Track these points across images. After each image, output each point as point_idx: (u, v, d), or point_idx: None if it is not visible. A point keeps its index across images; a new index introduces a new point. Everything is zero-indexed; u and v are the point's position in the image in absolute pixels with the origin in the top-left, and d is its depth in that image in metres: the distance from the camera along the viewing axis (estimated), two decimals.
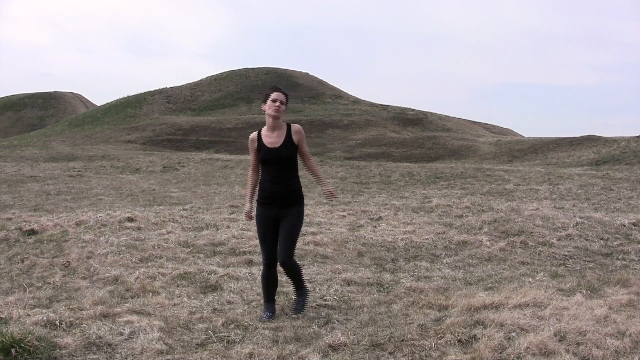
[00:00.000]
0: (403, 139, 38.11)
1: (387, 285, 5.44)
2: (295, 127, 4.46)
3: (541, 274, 5.78)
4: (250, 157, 4.61)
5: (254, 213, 4.51)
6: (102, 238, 6.85)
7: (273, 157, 4.38)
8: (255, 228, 4.59)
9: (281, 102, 4.41)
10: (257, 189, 4.52)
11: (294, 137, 4.43)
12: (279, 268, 4.50)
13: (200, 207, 9.88)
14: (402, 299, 4.92)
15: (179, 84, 54.86)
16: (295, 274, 4.54)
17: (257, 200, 4.51)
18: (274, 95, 4.42)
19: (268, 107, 4.41)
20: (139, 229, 7.47)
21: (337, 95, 53.74)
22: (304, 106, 48.29)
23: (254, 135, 4.52)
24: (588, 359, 3.53)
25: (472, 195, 12.63)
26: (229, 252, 6.62)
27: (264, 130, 4.49)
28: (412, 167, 20.59)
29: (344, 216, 8.95)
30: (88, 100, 73.85)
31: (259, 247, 4.60)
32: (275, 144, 4.40)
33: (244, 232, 7.39)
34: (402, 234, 7.64)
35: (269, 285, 4.51)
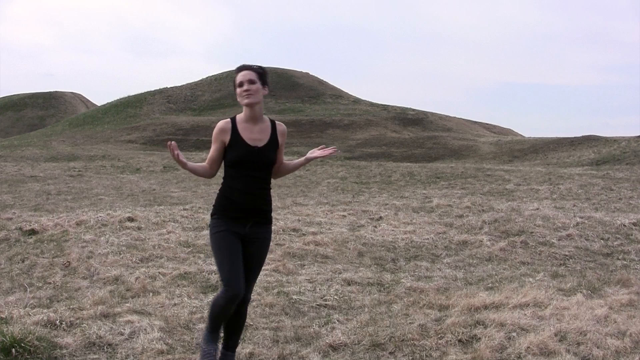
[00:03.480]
0: (403, 139, 38.12)
1: (387, 285, 5.44)
2: (281, 126, 3.43)
3: (541, 274, 5.79)
4: (210, 150, 3.44)
5: (181, 157, 3.21)
6: (102, 238, 6.85)
7: (254, 159, 3.28)
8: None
9: (250, 82, 3.26)
10: (219, 200, 3.38)
11: (280, 139, 3.39)
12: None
13: (200, 207, 9.87)
14: (402, 298, 4.91)
15: (180, 84, 54.96)
16: (244, 320, 3.53)
17: (217, 216, 3.34)
18: (238, 77, 3.30)
19: (238, 96, 3.32)
20: (139, 228, 7.47)
21: (338, 95, 53.75)
22: (304, 106, 48.30)
23: (225, 124, 3.34)
24: (588, 359, 3.53)
25: (473, 195, 12.63)
26: None
27: (241, 121, 3.35)
28: (412, 167, 20.60)
29: (345, 216, 8.95)
30: (88, 100, 73.92)
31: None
32: (259, 141, 3.31)
33: None
34: (403, 233, 7.64)
35: (225, 320, 3.42)
